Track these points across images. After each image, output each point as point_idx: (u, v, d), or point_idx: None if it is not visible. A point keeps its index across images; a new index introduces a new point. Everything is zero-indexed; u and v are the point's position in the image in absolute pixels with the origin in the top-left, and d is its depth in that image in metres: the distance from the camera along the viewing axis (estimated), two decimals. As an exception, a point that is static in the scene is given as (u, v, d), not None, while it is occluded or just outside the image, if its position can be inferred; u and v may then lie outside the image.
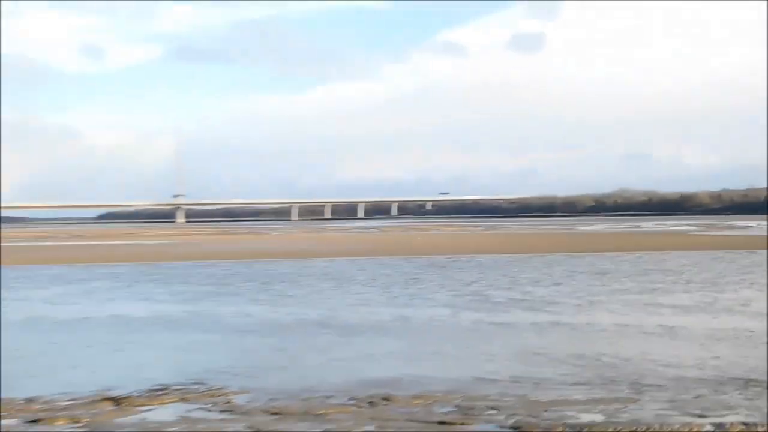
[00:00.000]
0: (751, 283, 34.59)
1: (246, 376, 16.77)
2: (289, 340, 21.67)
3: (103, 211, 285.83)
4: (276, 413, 13.38)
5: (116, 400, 14.39)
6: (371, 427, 12.44)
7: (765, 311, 25.65)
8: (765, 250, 56.68)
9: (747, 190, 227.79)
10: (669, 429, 11.88)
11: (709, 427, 11.97)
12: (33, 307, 30.37)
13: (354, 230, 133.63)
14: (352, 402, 14.12)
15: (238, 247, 75.84)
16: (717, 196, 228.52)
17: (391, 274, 42.21)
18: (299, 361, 18.48)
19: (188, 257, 60.44)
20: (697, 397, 14.12)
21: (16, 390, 15.43)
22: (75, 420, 12.97)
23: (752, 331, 21.65)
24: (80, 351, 20.51)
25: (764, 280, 35.79)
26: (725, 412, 12.99)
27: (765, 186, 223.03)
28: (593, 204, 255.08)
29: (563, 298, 30.13)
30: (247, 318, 26.11)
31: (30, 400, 14.46)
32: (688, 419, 12.51)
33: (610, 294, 31.30)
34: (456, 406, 13.65)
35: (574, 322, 23.86)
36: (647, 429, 11.94)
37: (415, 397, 14.35)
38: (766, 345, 19.41)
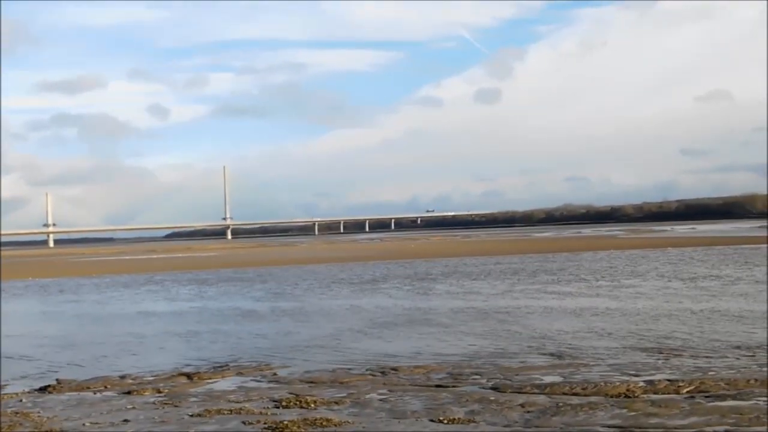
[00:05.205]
0: (631, 273, 34.90)
1: (221, 354, 17.20)
2: (262, 325, 22.11)
3: (170, 231, 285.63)
4: (311, 382, 13.36)
5: (189, 375, 14.43)
6: (384, 390, 12.38)
7: (625, 294, 25.97)
8: (671, 248, 56.91)
9: (662, 202, 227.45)
10: (612, 386, 11.79)
11: (642, 384, 11.92)
12: (83, 306, 30.73)
13: (362, 240, 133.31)
14: (368, 372, 14.08)
15: (270, 256, 75.27)
16: (639, 208, 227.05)
17: (369, 274, 42.18)
18: (274, 340, 18.82)
19: (229, 265, 59.58)
20: (633, 361, 14.03)
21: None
22: (159, 391, 12.99)
23: (611, 308, 22.07)
24: (108, 338, 20.85)
25: (643, 270, 36.01)
26: (653, 372, 12.94)
27: (675, 199, 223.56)
28: (544, 216, 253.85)
29: (486, 289, 30.39)
30: (235, 310, 26.44)
31: (123, 377, 14.52)
32: (626, 378, 12.52)
33: (520, 284, 31.52)
34: (448, 374, 13.58)
35: (482, 307, 24.26)
36: (595, 386, 11.87)
37: (417, 367, 14.27)
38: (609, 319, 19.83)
